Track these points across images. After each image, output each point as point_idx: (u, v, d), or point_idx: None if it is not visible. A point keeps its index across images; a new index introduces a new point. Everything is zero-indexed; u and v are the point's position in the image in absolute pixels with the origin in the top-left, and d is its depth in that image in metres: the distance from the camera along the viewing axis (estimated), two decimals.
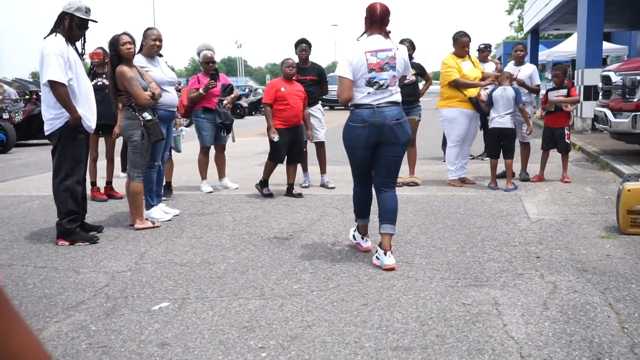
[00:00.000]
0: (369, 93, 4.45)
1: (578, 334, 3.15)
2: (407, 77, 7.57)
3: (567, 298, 3.69)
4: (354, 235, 5.02)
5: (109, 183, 7.52)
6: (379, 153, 4.57)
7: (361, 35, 4.62)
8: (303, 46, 7.89)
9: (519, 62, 8.36)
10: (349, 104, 4.59)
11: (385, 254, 4.41)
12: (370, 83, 4.45)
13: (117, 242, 5.37)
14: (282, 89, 7.16)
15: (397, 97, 4.56)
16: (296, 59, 7.77)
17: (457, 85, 7.61)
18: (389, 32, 4.65)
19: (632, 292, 3.77)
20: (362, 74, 4.44)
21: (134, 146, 5.69)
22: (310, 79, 7.82)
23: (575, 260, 4.47)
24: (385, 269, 4.34)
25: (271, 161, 7.34)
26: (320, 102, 8.11)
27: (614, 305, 3.55)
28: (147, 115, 5.65)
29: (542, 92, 8.66)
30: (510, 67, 8.37)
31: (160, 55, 6.40)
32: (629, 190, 5.12)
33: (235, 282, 4.16)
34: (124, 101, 5.67)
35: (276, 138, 7.08)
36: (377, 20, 4.54)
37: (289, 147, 7.29)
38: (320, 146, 8.05)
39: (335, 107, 31.64)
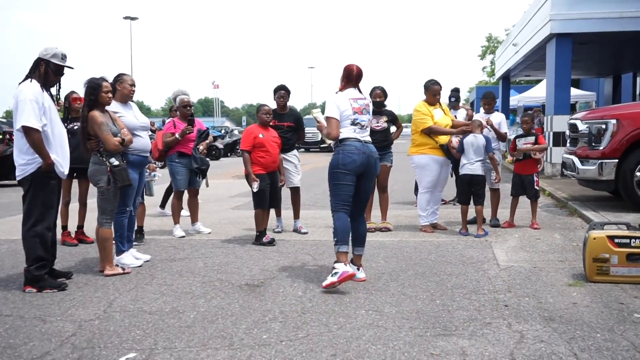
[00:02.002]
0: (355, 131, 5.41)
1: None
2: (378, 123, 7.80)
3: (533, 348, 3.73)
4: (335, 273, 5.09)
5: (80, 227, 7.46)
6: (360, 187, 5.43)
7: (339, 91, 5.55)
8: (281, 93, 7.97)
9: (488, 111, 8.56)
10: (338, 140, 5.42)
11: (358, 269, 5.41)
12: (354, 123, 5.41)
13: (86, 289, 5.31)
14: (260, 136, 7.22)
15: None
16: (274, 105, 7.89)
17: (431, 133, 7.73)
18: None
19: (597, 341, 3.82)
20: (347, 115, 5.39)
21: (101, 192, 5.68)
22: (288, 125, 7.89)
23: (542, 308, 4.53)
24: (359, 281, 5.31)
25: (258, 208, 7.26)
26: (295, 147, 8.18)
27: (579, 355, 3.60)
28: (114, 161, 5.65)
29: (511, 137, 8.87)
30: (480, 116, 8.56)
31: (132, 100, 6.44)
32: (594, 239, 5.23)
33: (205, 331, 4.14)
34: (93, 146, 5.67)
35: (256, 187, 7.09)
36: (353, 79, 5.57)
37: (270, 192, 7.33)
38: (295, 191, 8.09)
39: (311, 150, 31.89)
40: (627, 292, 4.88)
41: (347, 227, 5.35)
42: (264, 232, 7.24)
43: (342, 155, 5.34)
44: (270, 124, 7.61)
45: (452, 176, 8.65)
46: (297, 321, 4.32)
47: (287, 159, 7.92)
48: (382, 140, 7.87)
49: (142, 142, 6.14)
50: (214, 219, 9.21)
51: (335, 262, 5.21)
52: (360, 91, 5.61)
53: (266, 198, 7.23)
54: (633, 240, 5.16)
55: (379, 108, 8.01)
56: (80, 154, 6.07)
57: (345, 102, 5.42)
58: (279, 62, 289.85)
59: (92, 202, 7.06)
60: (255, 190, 7.10)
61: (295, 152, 8.12)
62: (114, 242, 6.00)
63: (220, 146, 27.45)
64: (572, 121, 9.64)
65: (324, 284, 5.11)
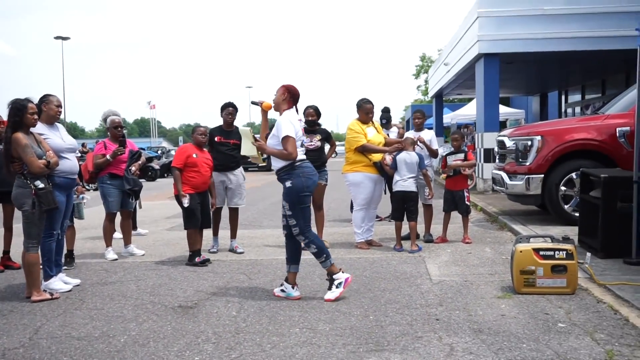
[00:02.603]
0: (303, 152, 5.55)
1: None
2: (311, 142, 7.87)
3: None
4: (340, 283, 5.40)
5: (6, 253, 7.19)
6: None
7: (285, 111, 5.49)
8: (230, 110, 7.92)
9: (419, 129, 8.75)
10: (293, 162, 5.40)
11: (293, 287, 5.49)
12: (302, 144, 5.58)
13: (11, 316, 5.12)
14: (194, 156, 7.18)
15: None
16: (215, 123, 7.92)
17: (364, 151, 7.82)
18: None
19: (523, 351, 3.94)
20: (299, 136, 5.49)
21: (25, 216, 5.51)
22: (234, 142, 7.86)
23: (472, 321, 4.64)
24: (293, 299, 5.38)
25: (189, 228, 7.20)
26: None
27: None
28: (39, 184, 5.48)
29: (442, 154, 9.08)
30: (411, 133, 8.74)
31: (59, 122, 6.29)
32: (520, 252, 5.40)
33: (135, 355, 4.06)
34: (17, 168, 5.50)
35: (186, 202, 7.02)
36: (297, 99, 5.61)
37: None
38: (234, 211, 8.04)
39: (249, 169, 31.71)
40: (552, 303, 5.05)
41: (322, 241, 5.61)
42: (198, 252, 7.17)
43: (305, 179, 5.39)
44: (216, 140, 7.66)
45: (386, 193, 8.78)
46: (231, 341, 4.29)
47: (233, 177, 7.88)
48: (317, 159, 7.92)
49: (69, 164, 5.98)
50: (149, 240, 9.05)
51: (332, 274, 5.43)
52: (297, 112, 5.67)
53: (197, 217, 7.17)
54: (557, 252, 5.35)
55: (312, 127, 8.08)
56: (4, 177, 5.88)
57: (297, 122, 5.48)
58: (216, 82, 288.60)
59: (19, 226, 6.85)
60: (185, 205, 7.03)
61: (241, 169, 8.07)
62: (41, 267, 5.81)
63: (157, 167, 26.94)
64: (500, 138, 9.97)
65: (332, 297, 5.32)
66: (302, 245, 5.54)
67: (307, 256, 7.08)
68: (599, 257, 6.37)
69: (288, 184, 5.39)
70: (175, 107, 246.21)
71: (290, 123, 5.39)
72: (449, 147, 10.40)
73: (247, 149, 5.84)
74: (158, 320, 4.88)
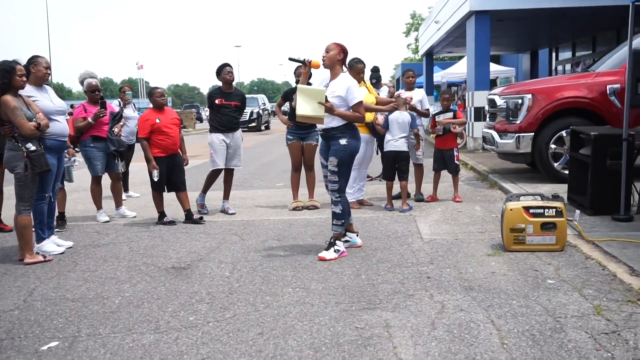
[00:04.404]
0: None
1: (462, 352, 3.32)
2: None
3: (453, 317, 3.87)
4: (338, 250, 5.48)
5: None
6: None
7: (342, 73, 5.53)
8: (228, 69, 7.77)
9: (410, 88, 8.71)
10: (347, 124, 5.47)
11: (357, 235, 5.88)
12: None
13: (4, 279, 5.14)
14: (157, 121, 7.16)
15: None
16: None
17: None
18: None
19: (513, 308, 4.01)
20: None
21: (18, 179, 5.49)
22: (235, 104, 7.81)
23: (462, 278, 4.70)
24: (358, 246, 5.77)
25: (155, 191, 7.34)
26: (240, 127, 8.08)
27: (496, 322, 3.76)
28: (31, 146, 5.45)
29: (431, 113, 9.07)
30: (402, 93, 8.70)
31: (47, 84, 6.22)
32: (510, 210, 5.44)
33: (130, 316, 4.09)
34: (7, 132, 5.46)
35: (156, 176, 7.11)
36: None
37: (170, 176, 7.31)
38: (231, 173, 8.02)
39: (243, 130, 31.55)
40: (541, 260, 5.12)
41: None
42: (164, 213, 7.36)
43: (357, 140, 5.56)
44: (217, 102, 7.64)
45: (377, 153, 8.79)
46: (224, 302, 4.33)
47: (232, 139, 7.82)
48: None
49: (60, 126, 5.93)
50: (140, 202, 9.05)
51: (336, 239, 5.53)
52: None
53: (162, 183, 7.27)
54: (547, 210, 5.40)
55: None
56: None
57: None
58: (204, 41, 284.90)
59: (10, 189, 6.81)
60: (156, 179, 7.13)
61: (240, 132, 8.02)
62: (33, 229, 5.82)
63: None
64: (490, 96, 9.95)
65: (327, 257, 5.38)
66: (332, 199, 5.60)
67: (299, 216, 7.14)
68: (588, 214, 6.44)
69: (343, 141, 5.44)
70: (164, 68, 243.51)
71: (357, 86, 5.50)
72: (439, 107, 10.38)
73: (310, 108, 5.33)
74: (152, 281, 4.91)
